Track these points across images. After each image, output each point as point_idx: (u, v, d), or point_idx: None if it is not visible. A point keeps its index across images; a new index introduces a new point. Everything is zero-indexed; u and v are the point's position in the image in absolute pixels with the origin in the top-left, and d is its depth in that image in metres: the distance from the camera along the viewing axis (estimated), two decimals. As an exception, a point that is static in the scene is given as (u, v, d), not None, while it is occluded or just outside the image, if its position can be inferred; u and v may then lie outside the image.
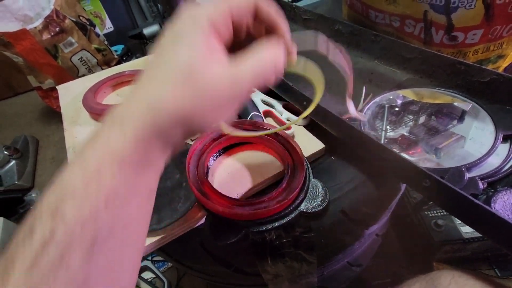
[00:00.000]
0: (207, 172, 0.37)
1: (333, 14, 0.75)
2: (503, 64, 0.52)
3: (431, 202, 0.67)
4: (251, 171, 0.37)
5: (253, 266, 0.36)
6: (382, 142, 0.39)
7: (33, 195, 1.04)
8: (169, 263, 0.87)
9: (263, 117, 0.43)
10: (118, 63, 1.28)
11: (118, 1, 1.50)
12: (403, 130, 0.41)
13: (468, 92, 0.39)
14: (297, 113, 0.45)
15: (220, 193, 0.32)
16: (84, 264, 0.14)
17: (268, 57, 0.20)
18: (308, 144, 0.41)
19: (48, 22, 1.10)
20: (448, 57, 0.40)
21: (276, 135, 0.38)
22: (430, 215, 0.65)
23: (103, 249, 0.14)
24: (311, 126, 0.43)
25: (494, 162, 0.32)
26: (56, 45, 1.14)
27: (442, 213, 0.66)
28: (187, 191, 0.34)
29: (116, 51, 1.37)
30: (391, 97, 0.44)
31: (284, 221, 0.32)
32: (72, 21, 1.14)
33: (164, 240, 0.33)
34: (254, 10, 0.21)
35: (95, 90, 0.52)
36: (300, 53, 0.25)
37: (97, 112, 0.48)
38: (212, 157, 0.38)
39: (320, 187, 0.35)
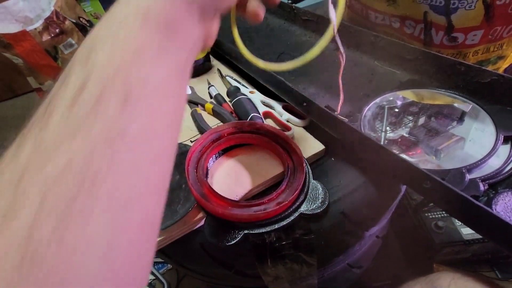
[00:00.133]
0: (207, 173, 0.37)
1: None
2: (503, 65, 0.52)
3: (432, 204, 0.66)
4: (251, 172, 0.37)
5: (253, 268, 0.36)
6: (382, 143, 0.39)
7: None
8: (168, 265, 0.86)
9: (263, 118, 0.43)
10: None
11: (118, 3, 1.50)
12: (403, 131, 0.41)
13: (468, 93, 0.39)
14: (296, 114, 0.45)
15: (220, 195, 0.32)
16: (119, 115, 0.13)
17: None
18: (308, 145, 0.40)
19: (48, 23, 1.10)
20: (448, 58, 0.40)
21: (275, 136, 0.38)
22: (431, 216, 0.65)
23: (137, 106, 0.14)
24: (311, 127, 0.43)
25: (495, 163, 0.32)
26: (56, 47, 1.14)
27: (442, 215, 0.65)
28: (187, 193, 0.34)
29: (116, 52, 1.37)
30: (391, 98, 0.44)
31: (284, 223, 0.32)
32: (72, 22, 1.14)
33: (164, 241, 0.32)
34: None
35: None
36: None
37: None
38: (211, 158, 0.38)
39: (320, 188, 0.35)
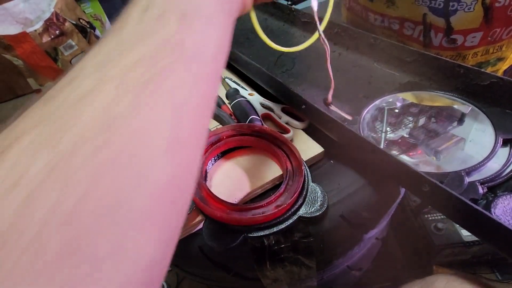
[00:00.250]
0: (206, 176, 0.37)
1: (332, 17, 0.76)
2: (503, 66, 0.52)
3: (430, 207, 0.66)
4: (250, 175, 0.37)
5: (252, 270, 0.36)
6: (382, 143, 0.39)
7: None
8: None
9: (262, 121, 0.43)
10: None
11: (118, 4, 1.50)
12: (403, 132, 0.40)
13: (467, 95, 0.39)
14: (296, 116, 0.45)
15: (218, 198, 0.32)
16: (177, 28, 0.16)
17: None
18: (307, 147, 0.40)
19: (48, 25, 1.10)
20: (447, 60, 0.40)
21: (274, 139, 0.38)
22: (430, 218, 0.65)
23: (192, 24, 0.17)
24: (310, 129, 0.43)
25: (494, 166, 0.32)
26: (56, 48, 1.14)
27: (442, 217, 0.65)
28: (185, 196, 0.34)
29: (116, 53, 1.38)
30: (390, 100, 0.43)
31: (282, 226, 0.32)
32: (72, 24, 1.15)
33: (162, 245, 0.32)
34: None
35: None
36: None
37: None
38: (210, 161, 0.38)
39: (319, 191, 0.35)
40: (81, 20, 1.20)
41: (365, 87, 0.46)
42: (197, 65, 0.16)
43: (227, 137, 0.39)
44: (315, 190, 0.35)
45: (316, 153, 0.40)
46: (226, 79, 0.53)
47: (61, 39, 1.12)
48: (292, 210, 0.33)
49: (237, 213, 0.31)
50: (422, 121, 0.42)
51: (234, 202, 0.34)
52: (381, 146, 0.38)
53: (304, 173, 0.35)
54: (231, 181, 0.37)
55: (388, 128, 0.41)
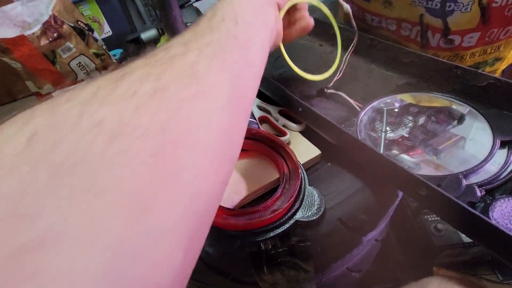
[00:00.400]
0: (202, 180, 0.36)
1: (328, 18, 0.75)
2: (501, 66, 0.51)
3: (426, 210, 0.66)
4: (247, 179, 0.37)
5: (250, 275, 0.35)
6: (381, 143, 0.39)
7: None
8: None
9: (259, 124, 0.43)
10: (117, 67, 1.28)
11: (116, 6, 1.50)
12: (403, 131, 0.40)
13: (465, 96, 0.39)
14: (293, 119, 0.44)
15: (214, 203, 0.32)
16: (233, 27, 0.23)
17: None
18: (304, 150, 0.40)
19: (46, 27, 1.10)
20: (444, 61, 0.40)
21: (271, 142, 0.38)
22: (430, 219, 0.64)
23: (243, 27, 0.24)
24: (308, 132, 0.43)
25: (492, 168, 0.31)
26: (54, 51, 1.14)
27: (442, 217, 0.65)
28: (181, 201, 0.33)
29: (114, 55, 1.37)
30: (388, 101, 0.43)
31: (279, 230, 0.32)
32: (70, 26, 1.14)
33: (158, 250, 0.32)
34: None
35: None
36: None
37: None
38: (207, 165, 0.38)
39: (316, 195, 0.35)
40: (79, 23, 1.19)
41: (362, 88, 0.46)
42: (247, 52, 0.23)
43: (223, 141, 0.39)
44: (312, 193, 0.35)
45: (313, 156, 0.39)
46: (223, 82, 0.53)
47: (59, 42, 1.12)
48: (289, 214, 0.32)
49: (233, 218, 0.31)
50: (421, 120, 0.42)
51: (231, 207, 0.34)
52: (381, 146, 0.38)
53: (301, 177, 0.35)
54: (228, 185, 0.37)
55: (388, 128, 0.41)
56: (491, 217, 0.27)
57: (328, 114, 0.40)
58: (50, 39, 1.10)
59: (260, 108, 0.47)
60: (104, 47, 1.26)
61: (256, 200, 0.37)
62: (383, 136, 0.40)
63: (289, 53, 0.39)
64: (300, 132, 0.43)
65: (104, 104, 0.13)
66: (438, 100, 0.41)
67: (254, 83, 0.24)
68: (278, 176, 0.37)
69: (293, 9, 0.39)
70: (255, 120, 0.43)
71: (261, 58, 0.26)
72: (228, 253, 0.31)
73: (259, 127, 0.42)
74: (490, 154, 0.32)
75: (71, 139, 0.12)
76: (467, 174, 0.31)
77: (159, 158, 0.13)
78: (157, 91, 0.15)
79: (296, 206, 0.33)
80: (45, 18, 1.12)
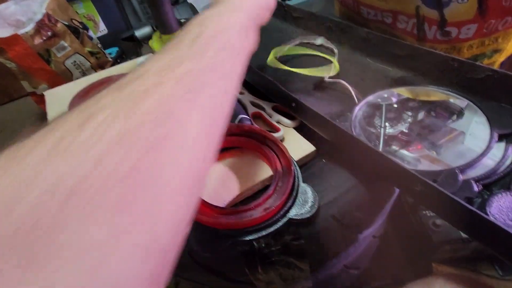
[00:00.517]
0: (193, 179, 0.36)
1: (328, 12, 0.74)
2: (499, 58, 0.50)
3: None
4: (239, 176, 0.36)
5: (244, 275, 0.35)
6: (381, 139, 0.38)
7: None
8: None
9: (252, 120, 0.42)
10: (113, 66, 1.27)
11: (111, 4, 1.48)
12: (403, 127, 0.39)
13: (462, 89, 0.38)
14: (287, 115, 0.43)
15: (205, 202, 0.31)
16: (215, 55, 0.21)
17: None
18: (299, 146, 0.39)
19: (40, 26, 1.09)
20: (440, 54, 0.39)
21: (264, 138, 0.37)
22: (428, 214, 0.63)
23: (222, 54, 0.22)
24: (302, 128, 0.42)
25: (489, 162, 0.30)
26: (49, 50, 1.13)
27: (440, 212, 0.64)
28: (172, 200, 0.33)
29: (110, 53, 1.36)
30: (385, 95, 0.42)
31: (271, 229, 0.31)
32: (65, 24, 1.13)
33: (149, 251, 0.31)
34: None
35: (82, 95, 0.51)
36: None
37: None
38: (198, 163, 0.37)
39: (310, 192, 0.34)
40: (73, 21, 1.18)
41: (358, 83, 0.45)
42: (229, 82, 0.22)
43: (215, 138, 0.38)
44: (305, 190, 0.34)
45: (307, 152, 0.39)
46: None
47: (54, 41, 1.11)
48: (282, 212, 0.32)
49: (224, 217, 0.30)
50: (421, 115, 0.41)
51: (223, 205, 0.33)
52: (381, 142, 0.37)
53: (294, 174, 0.34)
54: (220, 183, 0.36)
55: (387, 124, 0.40)
56: (489, 213, 0.26)
57: (322, 110, 0.39)
58: (44, 38, 1.09)
59: (253, 104, 0.46)
60: (100, 45, 1.25)
61: (249, 199, 0.36)
62: (382, 131, 0.39)
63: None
64: (294, 128, 0.43)
65: (64, 158, 0.13)
66: (436, 94, 0.40)
67: (229, 110, 0.22)
68: (272, 173, 0.36)
69: None
70: (248, 116, 0.42)
71: (239, 83, 0.24)
72: (221, 252, 0.30)
73: (252, 124, 0.42)
74: (488, 148, 0.31)
75: (26, 203, 0.12)
76: (463, 168, 0.30)
77: (118, 210, 0.13)
78: (125, 135, 0.14)
79: (289, 204, 0.32)
80: (39, 16, 1.11)
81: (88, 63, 1.20)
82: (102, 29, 1.45)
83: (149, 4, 0.54)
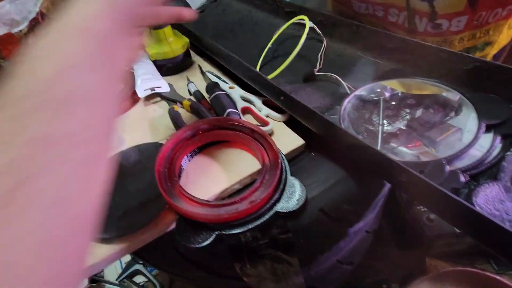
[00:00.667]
0: (180, 173, 0.35)
1: (322, 8, 0.74)
2: (492, 51, 0.50)
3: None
4: (227, 170, 0.36)
5: (232, 269, 0.34)
6: (379, 136, 0.37)
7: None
8: (161, 266, 0.86)
9: (241, 114, 0.42)
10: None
11: (107, 2, 1.48)
12: (401, 124, 0.39)
13: (451, 81, 0.38)
14: (277, 109, 0.43)
15: (190, 195, 0.31)
16: (54, 120, 0.15)
17: None
18: (288, 140, 0.39)
19: (34, 24, 1.08)
20: (430, 45, 0.38)
21: (252, 131, 0.37)
22: (423, 209, 0.63)
23: (71, 112, 0.16)
24: (292, 122, 0.42)
25: (476, 153, 0.30)
26: (43, 48, 1.12)
27: (435, 207, 0.64)
28: (158, 194, 0.32)
29: (105, 52, 1.36)
30: (378, 90, 0.42)
31: (257, 222, 0.31)
32: (58, 23, 1.13)
33: (135, 245, 0.31)
34: None
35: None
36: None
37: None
38: (186, 157, 0.37)
39: (298, 185, 0.34)
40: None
41: (348, 76, 0.44)
42: (82, 152, 0.16)
43: (203, 132, 0.37)
44: (293, 184, 0.34)
45: (296, 146, 0.38)
46: (207, 73, 0.52)
47: (48, 39, 1.10)
48: (268, 205, 0.31)
49: (207, 210, 0.30)
50: (419, 112, 0.41)
51: (210, 199, 0.33)
52: (379, 139, 0.37)
53: (282, 167, 0.34)
54: (208, 177, 0.36)
55: (385, 121, 0.40)
56: (475, 203, 0.26)
57: (312, 103, 0.39)
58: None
59: (243, 99, 0.46)
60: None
61: (239, 191, 0.36)
62: (380, 129, 0.39)
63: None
64: (284, 122, 0.42)
65: None
66: (426, 86, 0.40)
67: (104, 175, 0.18)
68: (260, 167, 0.36)
69: None
70: (237, 110, 0.42)
71: (110, 141, 0.19)
72: (205, 246, 0.30)
73: (240, 118, 0.41)
74: (475, 138, 0.31)
75: None
76: (450, 159, 0.30)
77: None
78: None
79: (276, 197, 0.32)
80: (33, 15, 1.10)
81: (83, 61, 1.19)
82: None
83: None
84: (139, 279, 0.83)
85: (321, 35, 0.51)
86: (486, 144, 0.30)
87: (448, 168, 0.29)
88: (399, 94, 0.41)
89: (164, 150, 0.35)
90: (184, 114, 0.45)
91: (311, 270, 0.45)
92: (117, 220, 0.31)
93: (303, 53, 0.46)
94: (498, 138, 0.31)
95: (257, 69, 0.51)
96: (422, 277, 0.34)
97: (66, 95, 0.16)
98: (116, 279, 0.82)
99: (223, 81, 0.50)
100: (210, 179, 0.35)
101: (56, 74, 0.16)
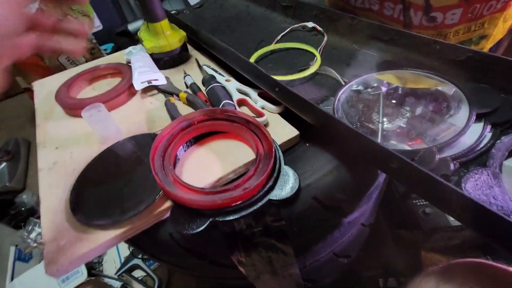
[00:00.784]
0: (176, 162, 0.36)
1: (321, 1, 0.74)
2: (487, 45, 0.50)
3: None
4: (222, 160, 0.36)
5: (227, 257, 0.35)
6: (379, 134, 0.38)
7: (24, 196, 1.03)
8: (160, 260, 0.86)
9: (236, 106, 0.42)
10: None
11: (107, 0, 1.48)
12: (401, 122, 0.39)
13: (445, 72, 0.38)
14: (272, 100, 0.43)
15: (185, 183, 0.31)
16: None
17: None
18: (283, 131, 0.39)
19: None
20: (423, 37, 0.39)
21: (247, 122, 0.37)
22: (419, 203, 0.64)
23: None
24: (287, 113, 0.42)
25: (467, 141, 0.30)
26: (43, 45, 1.12)
27: (430, 201, 0.64)
28: (153, 182, 0.33)
29: (105, 49, 1.36)
30: (375, 85, 0.42)
31: (251, 209, 0.31)
32: (58, 20, 1.13)
33: (130, 232, 0.32)
34: None
35: (68, 84, 0.51)
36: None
37: (70, 106, 0.47)
38: (182, 147, 0.37)
39: (291, 174, 0.34)
40: (68, 16, 1.18)
41: (343, 69, 0.45)
42: None
43: (198, 122, 0.38)
44: (287, 173, 0.34)
45: (291, 136, 0.39)
46: (204, 66, 0.52)
47: (47, 36, 1.11)
48: (262, 193, 0.32)
49: (201, 197, 0.30)
50: (419, 110, 0.41)
51: (205, 188, 0.33)
52: (379, 137, 0.37)
53: (276, 156, 0.35)
54: (203, 166, 0.36)
55: (385, 119, 0.40)
56: (464, 189, 0.26)
57: (308, 95, 0.39)
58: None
59: (239, 91, 0.46)
60: (95, 41, 1.24)
61: (231, 182, 0.36)
62: (380, 127, 0.39)
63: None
64: (279, 114, 0.43)
65: None
66: (420, 78, 0.40)
67: None
68: (254, 157, 0.36)
69: None
70: (232, 102, 0.42)
71: None
72: (199, 233, 0.30)
73: (236, 109, 0.42)
74: (466, 127, 0.31)
75: None
76: (441, 147, 0.30)
77: None
78: None
79: (269, 185, 0.32)
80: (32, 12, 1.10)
81: (83, 58, 1.20)
82: (97, 25, 1.45)
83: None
84: (138, 273, 0.83)
85: (322, 31, 0.51)
86: (477, 133, 0.31)
87: (438, 155, 0.29)
88: (398, 90, 0.41)
89: (159, 139, 0.35)
90: (181, 106, 0.45)
91: (307, 261, 0.46)
92: (113, 207, 0.32)
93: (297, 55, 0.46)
94: (489, 127, 0.31)
95: (253, 61, 0.51)
96: (428, 269, 0.33)
97: None
98: (115, 274, 0.82)
99: (220, 74, 0.50)
100: (205, 168, 0.36)
101: None
